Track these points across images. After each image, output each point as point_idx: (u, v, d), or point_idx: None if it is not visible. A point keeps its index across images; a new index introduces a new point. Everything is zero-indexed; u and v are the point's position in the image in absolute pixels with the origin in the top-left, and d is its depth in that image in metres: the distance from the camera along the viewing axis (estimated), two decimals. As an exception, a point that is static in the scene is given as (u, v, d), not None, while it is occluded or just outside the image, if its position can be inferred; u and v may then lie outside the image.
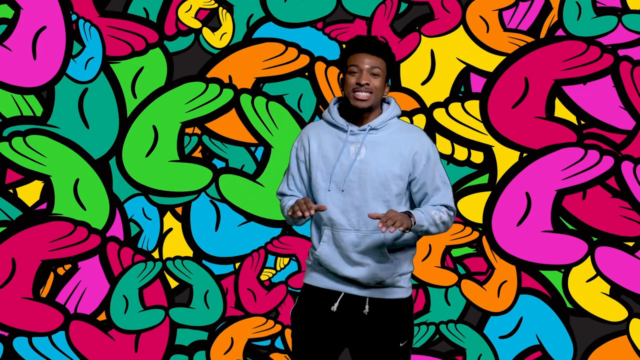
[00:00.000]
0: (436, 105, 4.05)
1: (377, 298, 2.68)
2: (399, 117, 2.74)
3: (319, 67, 4.04)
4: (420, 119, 4.04)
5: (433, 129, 4.04)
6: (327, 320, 2.69)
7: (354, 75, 2.62)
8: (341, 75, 2.68)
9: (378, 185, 2.62)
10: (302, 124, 4.02)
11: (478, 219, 4.05)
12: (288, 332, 4.09)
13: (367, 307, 2.67)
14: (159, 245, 4.12)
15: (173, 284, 4.13)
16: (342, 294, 2.69)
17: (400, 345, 2.69)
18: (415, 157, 2.65)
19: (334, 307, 2.68)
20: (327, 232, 2.67)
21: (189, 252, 4.12)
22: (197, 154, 4.10)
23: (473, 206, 4.05)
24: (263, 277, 4.11)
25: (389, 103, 2.74)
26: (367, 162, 2.62)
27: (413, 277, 4.05)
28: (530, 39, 4.01)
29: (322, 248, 2.68)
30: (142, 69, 4.09)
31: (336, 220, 2.64)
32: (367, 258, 2.65)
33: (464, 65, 4.04)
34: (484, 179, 4.06)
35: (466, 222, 4.05)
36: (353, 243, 2.64)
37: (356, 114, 2.67)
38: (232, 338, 4.12)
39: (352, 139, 2.65)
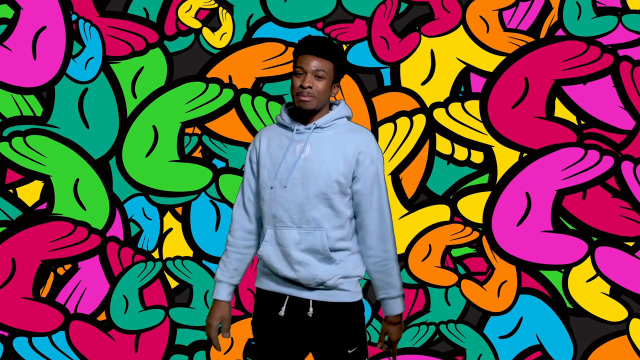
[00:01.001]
0: (436, 105, 4.05)
1: (320, 301, 2.68)
2: (349, 118, 2.75)
3: (319, 67, 4.04)
4: (420, 119, 4.05)
5: (433, 129, 4.05)
6: (277, 326, 2.71)
7: (299, 77, 2.64)
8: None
9: (321, 183, 2.62)
10: (302, 124, 4.02)
11: (478, 219, 4.05)
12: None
13: (311, 309, 2.67)
14: (159, 245, 4.12)
15: (173, 284, 4.13)
16: (287, 297, 2.70)
17: (349, 352, 2.68)
18: (359, 157, 2.65)
19: (282, 312, 2.69)
20: (269, 231, 2.68)
21: (189, 252, 4.12)
22: (197, 154, 4.10)
23: (473, 206, 4.05)
24: (263, 277, 4.11)
25: (338, 105, 2.75)
26: (311, 159, 2.64)
27: (413, 277, 4.06)
28: (530, 39, 4.01)
29: (264, 247, 2.69)
30: (142, 69, 4.09)
31: (279, 217, 2.66)
32: (309, 257, 2.65)
33: (464, 65, 4.04)
34: (484, 179, 4.06)
35: (466, 222, 4.06)
36: (295, 241, 2.64)
37: (304, 115, 2.69)
38: (232, 338, 4.12)
39: (298, 137, 2.68)
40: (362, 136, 2.69)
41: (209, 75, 4.08)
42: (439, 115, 4.05)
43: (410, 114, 4.05)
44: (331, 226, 2.65)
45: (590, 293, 4.04)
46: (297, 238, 2.64)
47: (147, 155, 4.10)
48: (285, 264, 2.66)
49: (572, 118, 4.01)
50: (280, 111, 2.76)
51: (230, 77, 4.09)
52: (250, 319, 4.09)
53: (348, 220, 2.69)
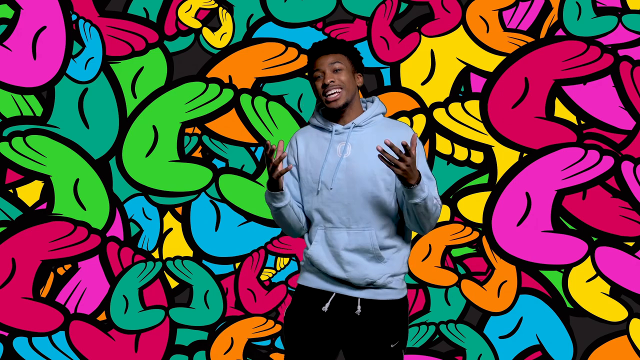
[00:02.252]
0: (436, 105, 4.05)
1: (368, 299, 2.68)
2: (384, 114, 2.75)
3: (319, 67, 4.04)
4: (420, 119, 4.05)
5: (433, 129, 4.05)
6: (318, 321, 2.69)
7: (320, 80, 2.66)
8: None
9: (366, 182, 2.63)
10: (302, 124, 4.02)
11: (478, 219, 4.05)
12: (288, 332, 4.08)
13: (359, 307, 2.67)
14: (159, 245, 4.12)
15: (173, 284, 4.13)
16: (334, 294, 2.69)
17: (392, 346, 2.68)
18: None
19: (325, 308, 2.68)
20: (319, 231, 2.68)
21: (189, 252, 4.12)
22: (197, 154, 4.10)
23: (473, 206, 4.05)
24: (263, 277, 4.11)
25: (372, 102, 2.75)
26: (354, 159, 2.64)
27: (413, 277, 4.06)
28: (530, 39, 4.01)
29: (314, 247, 2.69)
30: (142, 69, 4.09)
31: (327, 218, 2.66)
32: (359, 257, 2.65)
33: (464, 65, 4.04)
34: (484, 179, 4.06)
35: (466, 222, 4.05)
36: (345, 241, 2.64)
37: (337, 115, 2.69)
38: (232, 338, 4.12)
39: (337, 138, 2.68)
40: (401, 131, 2.69)
41: (209, 75, 4.08)
42: (439, 115, 4.05)
43: (410, 114, 4.05)
44: (379, 225, 2.65)
45: (590, 293, 4.03)
46: (346, 238, 2.64)
47: (147, 155, 4.10)
48: (335, 264, 2.66)
49: (572, 118, 4.01)
50: (314, 113, 2.76)
51: (230, 77, 4.09)
52: (250, 319, 4.10)
53: (394, 217, 2.68)
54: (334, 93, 2.63)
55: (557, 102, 4.01)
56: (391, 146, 2.43)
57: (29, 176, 4.11)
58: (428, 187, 2.57)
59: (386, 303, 2.69)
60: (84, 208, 4.10)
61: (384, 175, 2.64)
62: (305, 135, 2.75)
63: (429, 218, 2.59)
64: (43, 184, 4.10)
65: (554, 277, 4.05)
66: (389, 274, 2.68)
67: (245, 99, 4.08)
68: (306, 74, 4.04)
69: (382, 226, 2.65)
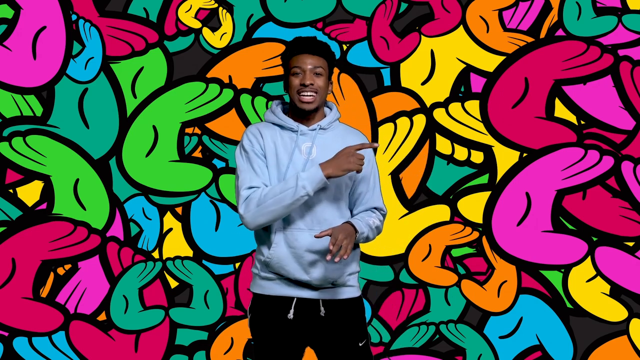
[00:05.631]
0: (436, 105, 4.05)
1: (330, 299, 2.69)
2: (339, 120, 2.77)
3: (319, 67, 4.04)
4: (420, 119, 4.05)
5: (433, 129, 4.05)
6: (285, 328, 2.68)
7: (298, 77, 2.64)
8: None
9: (331, 185, 2.64)
10: (302, 124, 4.03)
11: (478, 219, 4.05)
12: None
13: (322, 308, 2.68)
14: (159, 245, 4.12)
15: (173, 284, 4.13)
16: (295, 299, 2.68)
17: (360, 345, 2.70)
18: None
19: (290, 315, 2.67)
20: (279, 234, 2.65)
21: (189, 252, 4.12)
22: (197, 154, 4.10)
23: (473, 206, 4.05)
24: (263, 277, 4.10)
25: (331, 107, 2.77)
26: (319, 161, 2.64)
27: (413, 277, 4.06)
28: (530, 39, 4.01)
29: (274, 251, 2.65)
30: (142, 69, 4.09)
31: (290, 220, 2.64)
32: (320, 258, 2.65)
33: (464, 65, 4.04)
34: (484, 179, 4.06)
35: (466, 222, 4.06)
36: (308, 243, 2.63)
37: (302, 115, 2.69)
38: (232, 338, 4.13)
39: (303, 139, 2.67)
40: (357, 139, 2.73)
41: (209, 75, 4.09)
42: (439, 115, 4.05)
43: (410, 114, 4.05)
44: None
45: (590, 293, 4.04)
46: (309, 240, 2.63)
47: (147, 155, 4.10)
48: (297, 266, 2.65)
49: (572, 118, 4.01)
50: (273, 110, 2.72)
51: (230, 77, 4.09)
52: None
53: (349, 218, 2.71)
54: (310, 96, 2.63)
55: (557, 102, 4.02)
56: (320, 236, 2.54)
57: (29, 176, 4.11)
58: (367, 225, 2.65)
59: (347, 302, 2.71)
60: (84, 208, 4.10)
61: (346, 180, 2.67)
62: (269, 132, 2.69)
63: (373, 238, 2.74)
64: (43, 184, 4.10)
65: (554, 277, 4.05)
66: (347, 272, 2.71)
67: (245, 99, 4.08)
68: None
69: None
